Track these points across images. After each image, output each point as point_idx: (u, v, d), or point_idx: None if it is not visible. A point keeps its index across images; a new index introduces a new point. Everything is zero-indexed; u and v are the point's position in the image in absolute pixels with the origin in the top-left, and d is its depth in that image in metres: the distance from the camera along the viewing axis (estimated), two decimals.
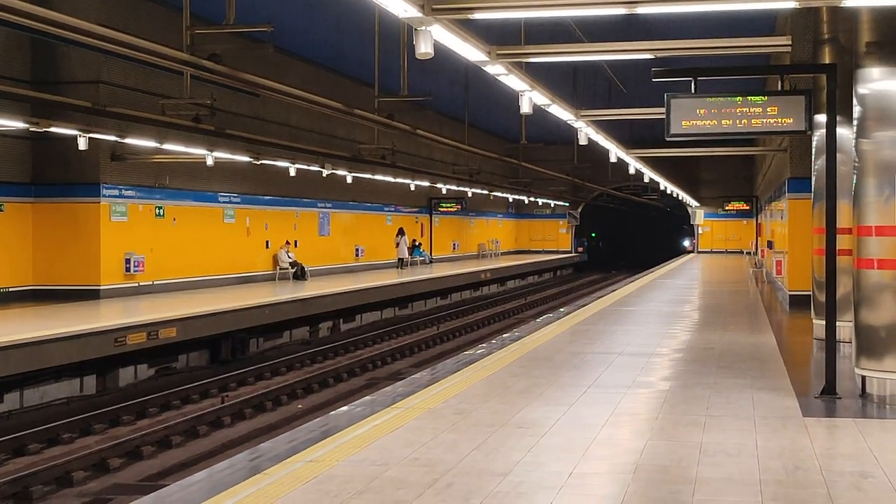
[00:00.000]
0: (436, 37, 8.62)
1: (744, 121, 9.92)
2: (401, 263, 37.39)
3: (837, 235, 9.95)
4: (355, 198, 34.25)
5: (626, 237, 76.16)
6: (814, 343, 13.76)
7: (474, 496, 6.15)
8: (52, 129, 17.83)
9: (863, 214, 9.40)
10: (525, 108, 12.72)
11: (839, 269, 10.12)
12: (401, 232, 38.01)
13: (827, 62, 13.06)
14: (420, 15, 8.15)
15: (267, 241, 28.19)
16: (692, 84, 10.23)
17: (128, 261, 21.81)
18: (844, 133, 11.45)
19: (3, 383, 14.73)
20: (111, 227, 21.52)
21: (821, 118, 12.23)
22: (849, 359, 10.93)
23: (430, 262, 41.43)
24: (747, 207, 48.92)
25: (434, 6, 8.27)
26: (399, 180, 33.43)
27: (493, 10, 8.83)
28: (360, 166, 28.37)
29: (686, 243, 77.64)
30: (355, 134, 30.56)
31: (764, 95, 9.99)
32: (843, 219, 11.08)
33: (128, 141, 19.50)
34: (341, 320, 26.26)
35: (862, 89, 9.37)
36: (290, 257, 28.54)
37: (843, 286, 11.37)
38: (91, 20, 12.00)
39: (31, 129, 18.11)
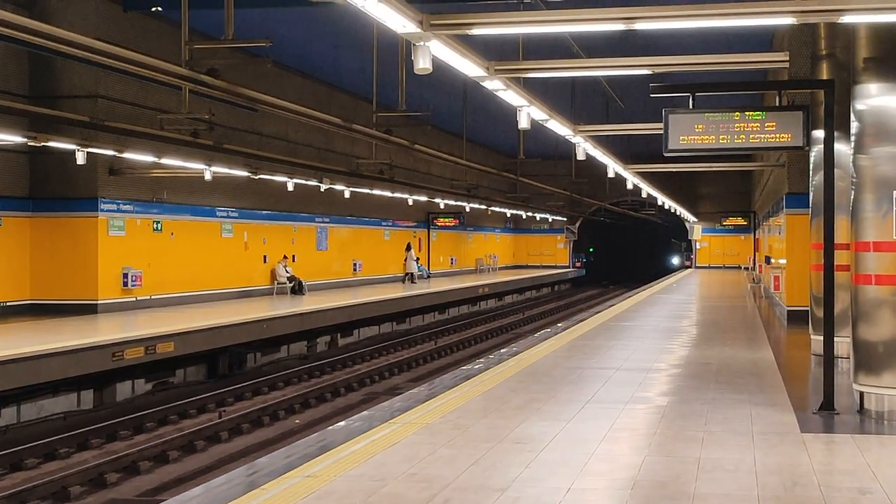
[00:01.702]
0: (434, 52, 8.63)
1: (742, 136, 9.93)
2: (410, 278, 37.53)
3: (835, 251, 9.96)
4: (353, 212, 34.27)
5: (614, 253, 75.20)
6: (812, 359, 13.75)
7: None
8: (51, 144, 17.85)
9: (860, 230, 9.41)
10: (523, 123, 12.73)
11: (837, 285, 10.12)
12: (408, 247, 38.15)
13: (825, 78, 13.10)
14: (418, 30, 8.16)
15: (265, 256, 28.19)
16: (690, 100, 10.25)
17: (125, 275, 21.79)
18: (842, 149, 11.48)
19: (1, 398, 14.70)
20: (109, 241, 21.52)
21: (819, 134, 12.27)
22: (847, 374, 10.94)
23: (428, 276, 41.45)
24: (745, 223, 48.93)
25: (432, 22, 8.28)
26: (397, 195, 33.46)
27: (491, 26, 8.86)
28: (357, 181, 28.38)
29: (675, 261, 74.61)
30: (353, 149, 30.62)
31: (762, 111, 10.02)
32: (841, 234, 11.10)
33: (126, 155, 19.52)
34: (339, 335, 26.24)
35: (860, 105, 9.39)
36: (287, 272, 28.54)
37: (841, 302, 11.38)
38: (89, 35, 12.03)
39: (29, 144, 18.14)
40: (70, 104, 20.29)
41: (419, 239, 42.28)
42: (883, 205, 9.18)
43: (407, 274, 37.97)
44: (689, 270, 54.51)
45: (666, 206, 45.20)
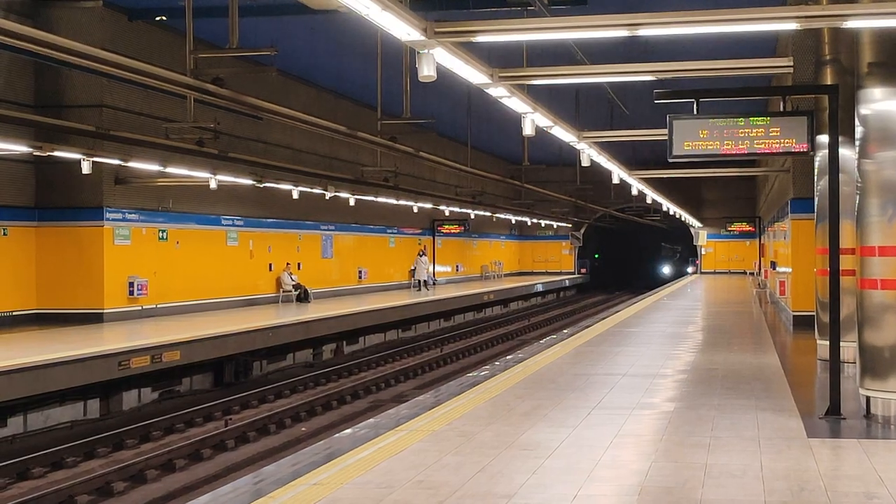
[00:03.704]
0: (438, 60, 8.65)
1: (746, 142, 9.93)
2: (420, 285, 37.54)
3: (841, 256, 9.95)
4: (358, 220, 34.29)
5: (613, 259, 71.68)
6: (818, 363, 13.73)
7: None
8: (56, 153, 17.87)
9: (866, 235, 9.41)
10: (527, 130, 12.74)
11: (843, 290, 10.11)
12: (421, 253, 38.22)
13: (829, 83, 13.09)
14: (423, 38, 8.18)
15: (270, 264, 28.21)
16: (694, 105, 10.26)
17: (131, 284, 21.82)
18: (847, 153, 11.46)
19: (8, 407, 14.72)
20: (114, 250, 21.55)
21: (823, 139, 12.27)
22: (853, 379, 10.92)
23: (434, 283, 41.45)
24: (750, 228, 48.89)
25: (436, 29, 8.30)
26: (402, 202, 33.48)
27: (495, 33, 8.87)
28: (362, 189, 28.42)
29: (666, 270, 70.18)
30: (358, 156, 30.64)
31: (766, 116, 10.01)
32: (847, 239, 11.07)
33: (131, 164, 19.54)
34: (344, 342, 26.24)
35: (864, 110, 9.39)
36: (292, 279, 28.55)
37: (847, 306, 11.35)
38: (94, 45, 12.07)
39: (34, 154, 18.17)
40: (75, 114, 20.33)
41: (424, 246, 42.29)
42: (888, 209, 9.19)
43: (417, 280, 37.96)
44: (693, 276, 54.40)
45: (671, 212, 45.21)
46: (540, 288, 48.86)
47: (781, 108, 10.20)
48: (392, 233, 38.30)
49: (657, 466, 7.49)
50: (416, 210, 36.39)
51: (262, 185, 23.96)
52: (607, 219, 54.79)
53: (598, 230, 61.73)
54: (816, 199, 14.15)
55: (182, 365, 18.10)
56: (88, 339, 17.56)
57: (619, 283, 63.82)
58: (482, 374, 12.97)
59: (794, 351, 16.09)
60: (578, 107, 26.38)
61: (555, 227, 54.59)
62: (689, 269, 63.19)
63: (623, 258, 71.75)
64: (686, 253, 66.27)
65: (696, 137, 10.05)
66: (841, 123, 9.96)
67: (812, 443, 8.33)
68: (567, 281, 53.65)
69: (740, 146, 9.96)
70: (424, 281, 38.04)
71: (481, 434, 8.71)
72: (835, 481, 7.04)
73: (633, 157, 36.27)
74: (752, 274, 48.50)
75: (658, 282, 56.25)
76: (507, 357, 15.33)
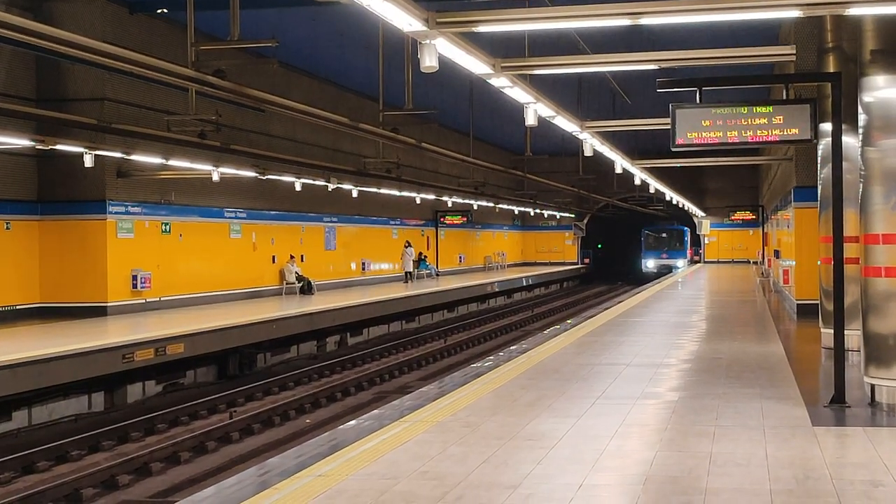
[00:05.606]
0: (440, 50, 8.63)
1: (749, 130, 9.90)
2: (407, 277, 37.43)
3: (844, 244, 9.93)
4: (361, 211, 34.28)
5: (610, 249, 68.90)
6: (822, 352, 13.72)
7: None
8: (58, 147, 17.89)
9: (869, 222, 9.40)
10: (530, 120, 12.72)
11: (847, 278, 10.10)
12: (407, 244, 38.15)
13: (832, 71, 13.06)
14: (424, 29, 8.16)
15: (273, 256, 28.22)
16: (697, 94, 10.23)
17: (134, 277, 21.83)
18: (850, 141, 11.43)
19: (12, 401, 14.74)
20: (118, 243, 21.55)
21: (826, 127, 12.23)
22: (857, 367, 10.92)
23: (437, 275, 41.43)
24: (753, 217, 48.80)
25: (438, 20, 8.29)
26: (404, 193, 33.47)
27: (497, 23, 8.86)
28: (365, 180, 28.40)
29: (650, 264, 60.61)
30: (360, 148, 30.61)
31: (769, 105, 9.99)
32: (850, 227, 11.07)
33: (133, 157, 19.55)
34: (348, 334, 26.26)
35: (867, 97, 9.37)
36: (296, 271, 28.55)
37: (851, 294, 11.34)
38: (95, 37, 12.05)
39: (36, 147, 18.17)
40: (77, 107, 20.33)
41: (427, 237, 42.28)
42: (892, 197, 9.17)
43: (406, 272, 37.79)
44: (696, 266, 54.31)
45: (674, 201, 45.19)
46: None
47: (784, 97, 10.18)
48: (395, 224, 38.30)
49: (662, 455, 7.49)
50: (418, 201, 36.38)
51: (264, 178, 23.95)
52: (609, 208, 54.65)
53: (600, 220, 61.42)
54: (820, 188, 14.13)
55: (186, 358, 18.11)
56: (92, 333, 17.58)
57: (606, 277, 62.15)
58: (486, 364, 12.97)
59: (799, 339, 16.07)
60: (581, 96, 26.33)
61: (558, 217, 54.52)
62: (680, 263, 58.78)
63: (616, 249, 70.24)
64: (678, 240, 61.21)
65: (699, 126, 10.03)
66: (844, 111, 9.96)
67: (817, 431, 8.32)
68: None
69: (743, 135, 9.93)
70: (410, 272, 37.83)
71: (486, 425, 8.71)
72: (840, 469, 7.04)
73: (635, 146, 36.21)
74: (755, 263, 48.44)
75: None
76: (511, 347, 15.32)
